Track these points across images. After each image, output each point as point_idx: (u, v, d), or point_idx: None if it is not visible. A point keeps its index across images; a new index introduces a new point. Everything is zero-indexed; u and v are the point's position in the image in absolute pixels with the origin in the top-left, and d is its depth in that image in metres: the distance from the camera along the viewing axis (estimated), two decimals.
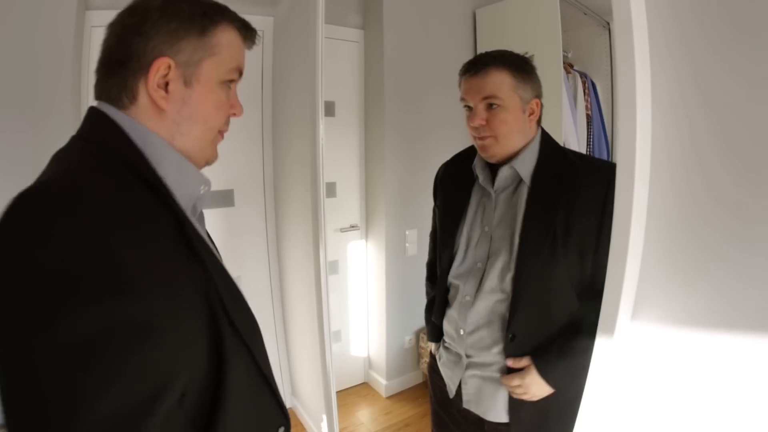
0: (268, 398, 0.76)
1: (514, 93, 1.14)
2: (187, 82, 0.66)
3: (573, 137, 2.54)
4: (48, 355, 0.45)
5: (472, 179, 1.29)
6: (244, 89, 2.56)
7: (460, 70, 1.20)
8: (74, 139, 0.65)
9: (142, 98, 0.65)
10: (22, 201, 0.51)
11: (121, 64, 0.64)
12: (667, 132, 0.82)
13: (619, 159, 0.83)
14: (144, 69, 0.63)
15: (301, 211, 2.16)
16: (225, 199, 2.44)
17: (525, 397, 1.14)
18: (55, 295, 0.46)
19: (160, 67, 0.63)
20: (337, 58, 2.62)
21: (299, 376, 2.58)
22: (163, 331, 0.53)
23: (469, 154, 1.33)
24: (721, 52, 0.75)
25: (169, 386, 0.53)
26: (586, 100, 2.73)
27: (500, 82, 1.13)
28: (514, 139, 1.17)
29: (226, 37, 0.70)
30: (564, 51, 2.47)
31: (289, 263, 2.46)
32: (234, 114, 0.77)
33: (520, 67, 1.15)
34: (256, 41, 0.78)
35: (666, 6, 0.79)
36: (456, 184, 1.33)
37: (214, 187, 2.68)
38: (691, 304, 0.82)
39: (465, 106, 1.20)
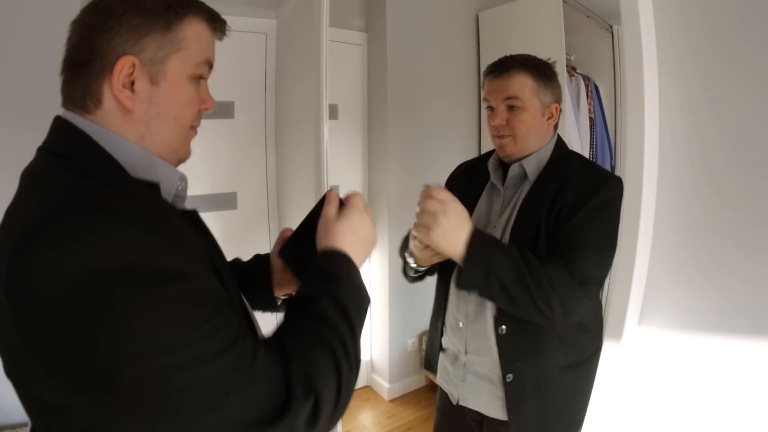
0: None
1: (534, 96, 1.16)
2: (153, 81, 0.63)
3: (576, 140, 2.54)
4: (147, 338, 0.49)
5: (485, 178, 1.32)
6: (247, 91, 2.55)
7: (485, 71, 1.23)
8: (45, 154, 0.63)
9: (107, 101, 0.62)
10: (50, 233, 0.50)
11: (83, 66, 0.62)
12: (675, 136, 0.81)
13: (628, 163, 0.83)
14: (107, 69, 0.61)
15: (304, 215, 2.16)
16: (228, 201, 2.44)
17: (428, 231, 0.98)
18: (134, 288, 0.49)
19: (123, 67, 0.60)
20: (340, 61, 2.62)
21: None
22: (219, 295, 0.58)
23: (484, 157, 1.37)
24: (728, 57, 0.75)
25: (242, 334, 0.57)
26: (589, 104, 2.72)
27: (522, 84, 1.16)
28: (531, 141, 1.20)
29: (193, 30, 0.66)
30: (567, 54, 2.47)
31: None
32: (206, 109, 0.73)
33: (543, 71, 1.18)
34: (226, 31, 0.73)
35: (674, 11, 0.79)
36: (471, 183, 1.36)
37: (216, 190, 2.68)
38: (698, 309, 0.81)
39: (487, 107, 1.23)
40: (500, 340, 1.16)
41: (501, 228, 1.21)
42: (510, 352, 1.15)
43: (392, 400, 2.88)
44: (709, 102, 0.78)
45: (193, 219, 0.71)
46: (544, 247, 1.10)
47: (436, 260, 1.14)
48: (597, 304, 1.16)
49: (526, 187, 1.21)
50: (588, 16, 2.68)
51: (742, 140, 0.75)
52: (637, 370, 0.88)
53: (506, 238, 1.16)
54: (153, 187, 0.64)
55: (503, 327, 1.14)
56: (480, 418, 1.26)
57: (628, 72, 0.80)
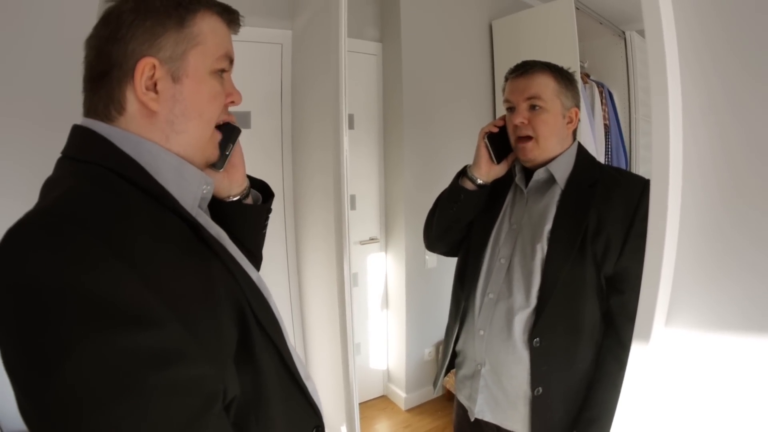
0: (299, 398, 0.76)
1: (556, 97, 1.17)
2: (175, 78, 0.63)
3: (591, 147, 2.54)
4: (65, 391, 0.44)
5: (509, 182, 1.31)
6: (263, 101, 2.57)
7: (507, 73, 1.24)
8: (62, 161, 0.62)
9: (131, 106, 0.62)
10: (12, 237, 0.48)
11: (104, 76, 0.61)
12: (697, 138, 0.82)
13: (653, 167, 0.83)
14: (128, 75, 0.61)
15: (322, 224, 2.17)
16: None
17: None
18: (71, 328, 0.44)
19: (144, 69, 0.60)
20: (355, 71, 2.65)
21: (317, 387, 2.58)
22: (186, 354, 0.51)
23: None
24: (749, 58, 0.76)
25: (208, 401, 0.53)
26: (604, 110, 2.73)
27: (545, 85, 1.17)
28: (553, 143, 1.19)
29: (207, 24, 0.66)
30: (580, 61, 2.48)
31: (310, 274, 2.47)
32: (232, 102, 0.73)
33: (564, 75, 1.20)
34: (241, 22, 0.72)
35: (693, 17, 0.80)
36: (501, 180, 1.32)
37: None
38: (724, 310, 0.81)
39: (508, 108, 1.23)
40: (534, 352, 1.12)
41: (528, 231, 1.19)
42: (543, 365, 1.13)
43: (409, 410, 2.87)
44: (730, 103, 0.78)
45: (211, 240, 0.66)
46: (589, 252, 1.10)
47: (494, 176, 1.27)
48: None
49: (556, 192, 1.19)
50: (601, 23, 2.69)
51: (764, 141, 0.75)
52: (664, 372, 0.88)
53: (543, 244, 1.15)
54: (165, 200, 0.61)
55: (538, 339, 1.12)
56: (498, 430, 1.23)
57: (651, 75, 0.81)
